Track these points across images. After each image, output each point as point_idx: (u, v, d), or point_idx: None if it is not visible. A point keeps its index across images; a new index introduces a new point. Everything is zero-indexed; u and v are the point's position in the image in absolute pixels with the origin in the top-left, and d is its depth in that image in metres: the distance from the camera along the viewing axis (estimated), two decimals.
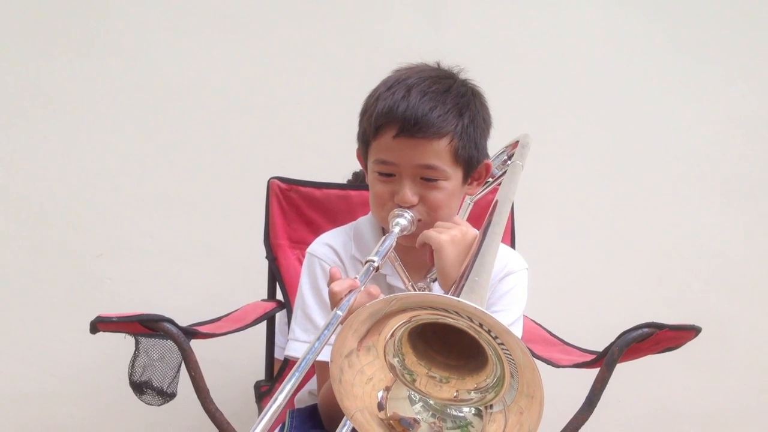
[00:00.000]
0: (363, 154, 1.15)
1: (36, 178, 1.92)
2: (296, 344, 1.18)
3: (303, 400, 1.33)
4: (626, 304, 1.98)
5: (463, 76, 1.13)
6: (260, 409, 1.46)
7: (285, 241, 1.57)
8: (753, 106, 2.05)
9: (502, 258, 1.17)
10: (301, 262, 1.57)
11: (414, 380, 0.86)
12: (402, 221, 1.06)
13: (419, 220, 1.09)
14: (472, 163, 1.11)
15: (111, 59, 1.91)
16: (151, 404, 1.19)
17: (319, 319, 1.16)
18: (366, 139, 1.11)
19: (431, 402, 0.85)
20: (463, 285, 0.83)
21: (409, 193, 1.07)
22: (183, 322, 1.74)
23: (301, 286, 1.21)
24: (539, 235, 1.90)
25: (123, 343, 1.82)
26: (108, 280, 1.96)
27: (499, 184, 1.23)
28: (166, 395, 1.19)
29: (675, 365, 2.01)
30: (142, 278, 1.94)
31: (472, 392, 0.84)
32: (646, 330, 1.13)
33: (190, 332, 1.17)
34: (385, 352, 0.83)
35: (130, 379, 1.19)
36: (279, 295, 1.58)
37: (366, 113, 1.11)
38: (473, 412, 0.84)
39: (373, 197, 1.12)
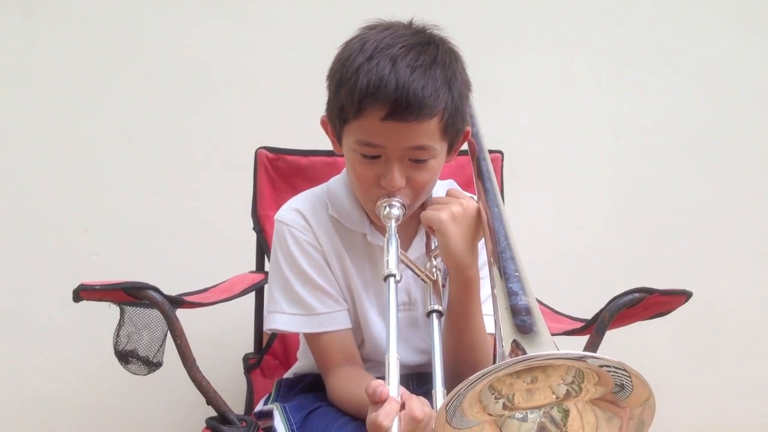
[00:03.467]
0: (336, 128, 1.06)
1: (18, 153, 1.89)
2: (283, 317, 1.14)
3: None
4: (615, 272, 1.98)
5: (437, 33, 1.06)
6: (249, 382, 1.45)
7: (273, 212, 1.51)
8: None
9: None
10: None
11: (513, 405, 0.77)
12: (395, 212, 1.02)
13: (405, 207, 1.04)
14: (458, 135, 1.07)
15: (91, 30, 1.87)
16: (137, 374, 1.16)
17: (302, 291, 1.13)
18: (344, 115, 1.01)
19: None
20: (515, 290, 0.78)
21: (398, 177, 1.00)
22: (178, 283, 1.75)
23: (275, 255, 1.17)
24: (524, 202, 1.89)
25: (109, 316, 1.83)
26: (93, 255, 1.93)
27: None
28: (152, 364, 1.17)
29: (663, 335, 2.02)
30: (128, 253, 1.91)
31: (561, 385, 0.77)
32: (636, 295, 1.12)
33: (176, 300, 1.14)
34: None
35: (115, 349, 1.16)
36: (268, 266, 1.55)
37: (342, 85, 1.00)
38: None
39: (356, 179, 1.06)
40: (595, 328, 1.13)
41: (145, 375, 1.17)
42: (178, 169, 1.90)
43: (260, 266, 1.57)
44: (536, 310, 0.76)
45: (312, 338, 1.15)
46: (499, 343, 0.74)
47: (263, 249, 1.55)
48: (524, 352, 0.69)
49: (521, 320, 0.74)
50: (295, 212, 1.16)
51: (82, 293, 1.05)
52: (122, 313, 1.16)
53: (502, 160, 1.59)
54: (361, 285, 1.17)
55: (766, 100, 2.07)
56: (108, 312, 1.41)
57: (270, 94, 1.89)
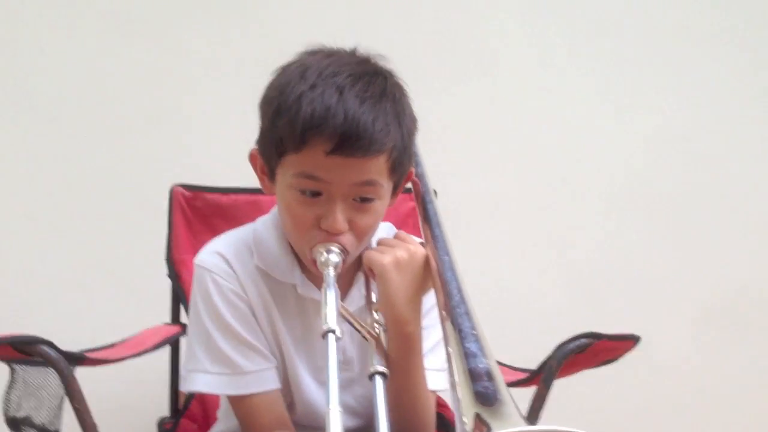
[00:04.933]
0: (271, 161, 0.95)
1: None
2: (206, 377, 1.01)
3: None
4: (556, 319, 1.92)
5: (383, 64, 0.98)
6: None
7: (190, 256, 1.40)
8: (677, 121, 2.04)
9: None
10: None
11: None
12: (333, 258, 0.91)
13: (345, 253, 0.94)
14: (403, 175, 0.98)
15: None
16: None
17: (226, 347, 1.00)
18: (282, 149, 0.91)
19: None
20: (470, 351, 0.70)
21: (341, 219, 0.91)
22: (80, 346, 1.60)
23: (194, 304, 1.04)
24: (459, 244, 1.82)
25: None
26: None
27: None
28: None
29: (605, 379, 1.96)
30: (25, 303, 1.74)
31: None
32: (584, 340, 1.05)
33: (75, 357, 1.01)
34: None
35: (5, 415, 1.02)
36: (184, 318, 1.42)
37: (281, 114, 0.89)
38: None
39: (291, 221, 0.95)
40: (542, 378, 1.06)
41: None
42: (82, 209, 1.76)
43: (176, 317, 1.44)
44: (498, 374, 0.66)
45: (237, 400, 1.03)
46: (458, 417, 0.64)
47: (179, 298, 1.42)
48: (489, 429, 0.59)
49: (483, 386, 0.64)
50: (217, 256, 1.04)
51: None
52: (12, 372, 1.02)
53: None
54: (290, 341, 1.06)
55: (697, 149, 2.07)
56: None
57: (186, 128, 1.77)
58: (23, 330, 1.64)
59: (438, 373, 1.05)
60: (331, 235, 0.92)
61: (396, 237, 0.97)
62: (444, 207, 1.48)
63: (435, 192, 1.49)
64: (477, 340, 0.74)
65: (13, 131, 1.73)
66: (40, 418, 1.03)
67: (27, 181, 1.74)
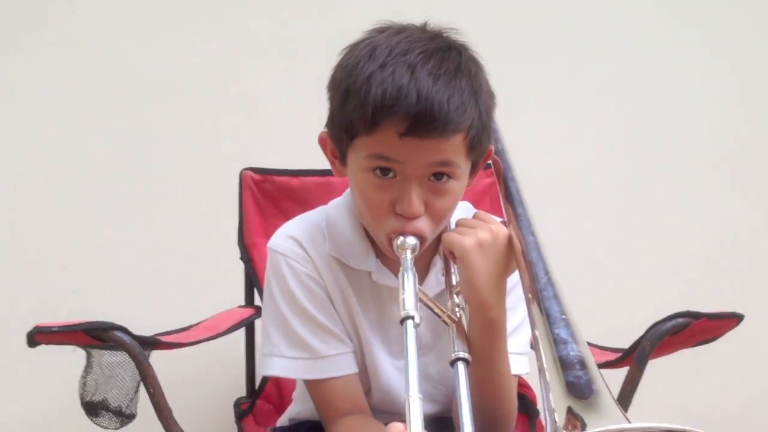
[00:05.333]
0: (342, 144, 0.91)
1: None
2: (283, 361, 0.99)
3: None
4: (642, 298, 1.82)
5: (456, 37, 0.92)
6: (240, 430, 1.28)
7: (261, 239, 1.39)
8: None
9: None
10: None
11: None
12: (410, 241, 0.87)
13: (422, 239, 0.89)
14: (482, 155, 0.92)
15: (65, 54, 1.73)
16: (107, 428, 1.01)
17: (303, 332, 0.98)
18: (352, 131, 0.86)
19: None
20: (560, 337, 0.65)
21: (417, 202, 0.86)
22: (159, 320, 1.60)
23: (269, 289, 1.01)
24: (544, 225, 1.74)
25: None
26: (74, 294, 1.78)
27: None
28: (125, 416, 1.02)
29: (694, 364, 1.86)
30: (110, 290, 1.76)
31: None
32: (680, 320, 0.98)
33: (149, 342, 1.00)
34: None
35: (81, 400, 1.01)
36: (258, 300, 1.40)
37: (350, 96, 0.85)
38: None
39: (367, 205, 0.90)
40: (634, 359, 0.99)
41: (116, 429, 1.02)
42: (159, 197, 1.76)
43: (249, 300, 1.42)
44: (592, 362, 0.60)
45: (314, 384, 1.00)
46: (546, 407, 0.58)
47: (252, 281, 1.40)
48: (584, 426, 0.53)
49: (575, 376, 0.58)
50: (291, 240, 1.01)
51: (38, 337, 0.92)
52: (88, 357, 1.01)
53: None
54: (367, 326, 1.02)
55: None
56: None
57: (255, 111, 1.74)
58: (100, 314, 1.70)
59: (520, 356, 1.00)
60: (406, 220, 0.87)
61: (475, 217, 0.91)
62: (529, 186, 1.46)
63: None
64: (567, 325, 0.68)
65: (86, 117, 1.75)
66: (116, 401, 1.03)
67: (102, 168, 1.75)
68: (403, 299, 0.80)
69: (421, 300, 0.87)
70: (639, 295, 1.83)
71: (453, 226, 0.96)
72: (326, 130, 0.95)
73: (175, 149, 1.75)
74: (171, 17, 1.75)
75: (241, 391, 1.44)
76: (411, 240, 0.87)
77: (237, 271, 1.44)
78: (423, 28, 0.91)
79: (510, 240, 0.87)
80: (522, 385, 1.22)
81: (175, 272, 1.74)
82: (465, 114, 0.84)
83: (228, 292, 1.46)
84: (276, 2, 1.77)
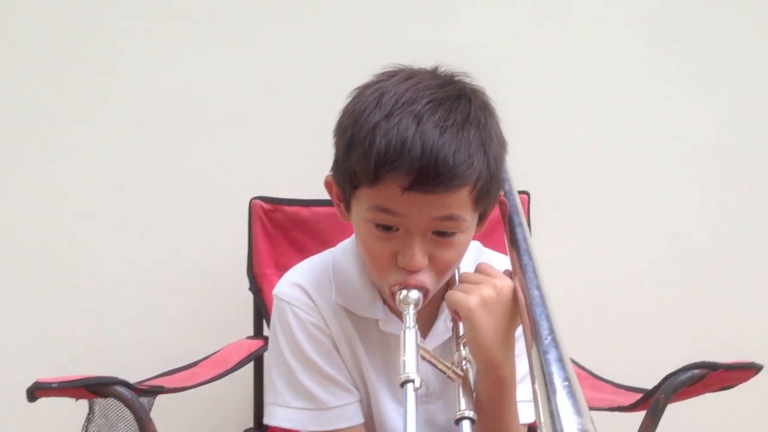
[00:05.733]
0: (345, 192, 0.89)
1: (2, 204, 1.74)
2: (288, 411, 0.96)
3: None
4: (666, 326, 1.77)
5: (467, 82, 0.89)
6: None
7: (271, 270, 1.39)
8: None
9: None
10: None
11: None
12: (413, 295, 0.84)
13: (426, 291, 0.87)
14: (491, 204, 0.89)
15: (71, 69, 1.72)
16: None
17: (308, 382, 0.96)
18: (356, 182, 0.84)
19: None
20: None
21: (420, 255, 0.83)
22: (165, 356, 1.60)
23: (275, 336, 0.99)
24: (557, 248, 1.70)
25: (116, 372, 1.67)
26: (87, 313, 1.78)
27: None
28: None
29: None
30: (121, 309, 1.75)
31: None
32: (696, 371, 0.95)
33: (153, 391, 0.99)
34: None
35: None
36: (267, 330, 1.39)
37: (354, 146, 0.82)
38: None
39: (369, 256, 0.88)
40: (648, 413, 0.96)
41: None
42: (170, 216, 1.74)
43: (258, 330, 1.41)
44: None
45: None
46: None
47: (261, 312, 1.39)
48: None
49: None
50: (297, 288, 0.99)
51: (38, 393, 0.90)
52: (91, 405, 1.00)
53: (529, 202, 1.42)
54: (374, 374, 1.00)
55: None
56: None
57: (268, 137, 1.71)
58: (125, 334, 1.71)
59: (529, 403, 0.97)
60: (409, 273, 0.85)
61: (478, 270, 0.88)
62: (540, 202, 1.42)
63: (528, 194, 1.42)
64: (571, 393, 0.65)
65: (100, 140, 1.74)
66: None
67: (109, 196, 1.74)
68: (404, 361, 0.77)
69: (424, 358, 0.85)
70: (661, 312, 1.78)
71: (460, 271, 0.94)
72: (331, 174, 0.92)
73: (189, 170, 1.73)
74: (180, 36, 1.73)
75: (249, 421, 1.43)
76: (414, 294, 0.85)
77: (246, 295, 1.43)
78: (434, 73, 0.88)
79: (515, 293, 0.84)
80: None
81: (185, 293, 1.73)
82: (472, 167, 0.80)
83: (237, 321, 1.44)
84: (290, 26, 1.74)
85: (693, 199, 1.79)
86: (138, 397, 0.92)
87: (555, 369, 0.68)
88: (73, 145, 1.74)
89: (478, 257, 1.03)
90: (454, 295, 0.84)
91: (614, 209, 1.77)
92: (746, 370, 0.97)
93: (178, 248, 1.71)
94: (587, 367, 1.32)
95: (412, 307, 0.84)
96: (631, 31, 1.79)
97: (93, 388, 0.90)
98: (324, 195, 1.33)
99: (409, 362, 0.77)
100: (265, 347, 1.35)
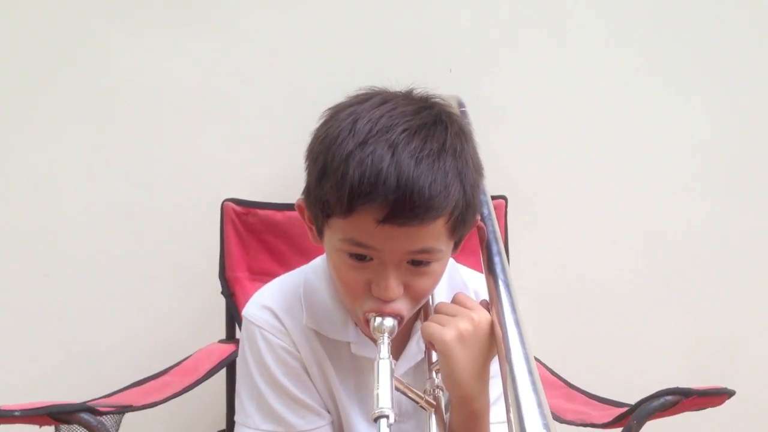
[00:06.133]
0: (315, 219, 0.87)
1: None
2: None
3: None
4: (640, 324, 1.75)
5: (443, 106, 0.86)
6: None
7: (244, 273, 1.37)
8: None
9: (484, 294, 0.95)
10: None
11: None
12: (387, 323, 0.83)
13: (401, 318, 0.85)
14: (466, 230, 0.87)
15: (43, 55, 1.66)
16: None
17: (278, 405, 0.94)
18: (328, 210, 0.81)
19: None
20: None
21: (395, 285, 0.81)
22: (139, 348, 1.61)
23: (245, 359, 0.97)
24: (534, 252, 1.68)
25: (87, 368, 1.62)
26: (58, 302, 1.75)
27: None
28: None
29: None
30: (94, 300, 1.72)
31: None
32: (669, 398, 0.96)
33: (120, 411, 0.97)
34: None
35: None
36: (239, 334, 1.37)
37: (327, 175, 0.79)
38: None
39: (342, 284, 0.87)
40: None
41: None
42: (144, 206, 1.70)
43: (230, 335, 1.39)
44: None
45: None
46: None
47: (233, 316, 1.37)
48: None
49: None
50: (267, 311, 0.96)
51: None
52: (57, 427, 0.98)
53: (506, 207, 1.41)
54: (345, 396, 0.99)
55: None
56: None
57: (244, 137, 1.65)
58: (96, 326, 1.67)
59: (502, 425, 0.97)
60: (383, 302, 0.83)
61: (455, 300, 0.86)
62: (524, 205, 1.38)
63: (505, 199, 1.40)
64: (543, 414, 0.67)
65: (74, 134, 1.68)
66: None
67: (87, 177, 1.69)
68: (377, 394, 0.76)
69: (398, 388, 0.84)
70: (648, 315, 1.78)
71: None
72: (302, 198, 0.90)
73: (158, 167, 1.67)
74: (159, 27, 1.67)
75: (221, 422, 1.42)
76: (388, 322, 0.83)
77: (219, 304, 1.41)
78: (409, 97, 0.86)
79: (492, 326, 0.83)
80: None
81: (158, 283, 1.68)
82: (448, 198, 0.79)
83: (209, 325, 1.42)
84: (268, 28, 1.68)
85: (675, 199, 1.77)
86: (104, 423, 0.90)
87: (534, 414, 0.68)
88: (42, 133, 1.69)
89: (452, 274, 1.02)
90: (430, 326, 0.83)
91: (595, 210, 1.75)
92: (719, 396, 0.98)
93: (151, 245, 1.67)
94: (561, 374, 1.33)
95: (386, 335, 0.83)
96: (613, 31, 1.76)
97: (56, 416, 0.88)
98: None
99: (384, 396, 0.75)
100: (236, 352, 1.33)
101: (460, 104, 1.22)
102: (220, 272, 1.37)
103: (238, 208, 1.36)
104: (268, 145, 1.62)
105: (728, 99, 1.77)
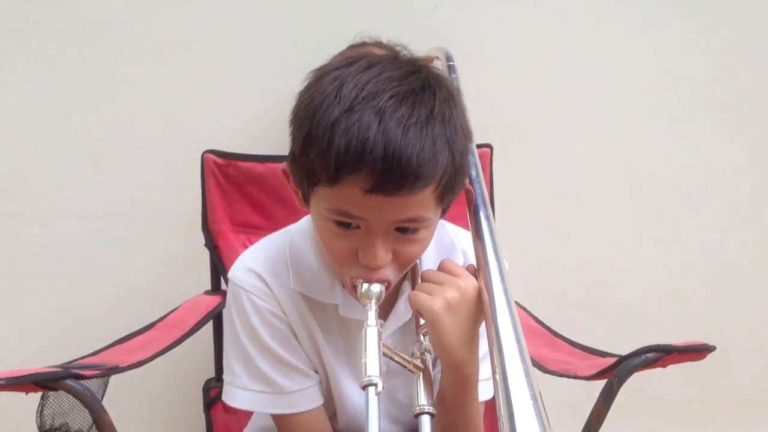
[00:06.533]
0: (301, 186, 0.85)
1: None
2: (245, 393, 0.96)
3: None
4: (632, 280, 1.77)
5: (432, 70, 0.83)
6: (208, 423, 1.28)
7: (227, 225, 1.35)
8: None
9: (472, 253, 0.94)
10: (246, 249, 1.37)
11: None
12: (375, 289, 0.82)
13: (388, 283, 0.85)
14: (455, 195, 0.85)
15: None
16: None
17: (266, 367, 0.95)
18: (313, 178, 0.79)
19: None
20: None
21: (382, 253, 0.80)
22: (124, 293, 1.62)
23: (231, 321, 0.97)
24: (519, 202, 1.67)
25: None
26: (40, 246, 1.73)
27: None
28: None
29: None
30: (77, 243, 1.71)
31: None
32: (650, 355, 0.96)
33: (106, 374, 0.97)
34: None
35: (40, 430, 1.00)
36: (225, 285, 1.37)
37: (312, 143, 0.77)
38: None
39: (329, 251, 0.86)
40: (602, 395, 0.97)
41: None
42: (124, 149, 1.67)
43: (216, 286, 1.38)
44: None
45: (278, 416, 0.98)
46: None
47: (218, 268, 1.36)
48: None
49: None
50: (253, 275, 0.95)
51: None
52: (44, 395, 0.98)
53: (491, 155, 1.39)
54: (332, 356, 0.99)
55: None
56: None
57: (221, 87, 1.61)
58: (76, 265, 1.66)
59: (488, 381, 0.98)
60: (370, 270, 0.82)
61: (442, 267, 0.86)
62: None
63: (491, 147, 1.38)
64: (537, 411, 0.66)
65: (48, 65, 1.63)
66: (77, 424, 1.02)
67: (65, 118, 1.65)
68: (365, 362, 0.76)
69: (385, 354, 0.84)
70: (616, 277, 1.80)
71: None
72: (287, 164, 0.87)
73: (144, 102, 1.63)
74: None
75: (210, 371, 1.43)
76: (375, 288, 0.83)
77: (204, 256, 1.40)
78: (396, 61, 0.82)
79: (479, 293, 0.82)
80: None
81: (141, 226, 1.67)
82: (436, 167, 0.77)
83: (193, 277, 1.42)
84: None
85: (662, 138, 1.76)
86: (89, 388, 0.90)
87: (523, 384, 0.68)
88: (15, 70, 1.64)
89: (440, 234, 1.01)
90: (418, 296, 0.82)
91: (581, 152, 1.74)
92: (699, 352, 0.98)
93: (134, 193, 1.65)
94: (546, 322, 1.33)
95: (374, 302, 0.82)
96: None
97: (42, 383, 0.88)
98: (280, 151, 1.31)
99: (372, 364, 0.76)
100: (223, 303, 1.33)
101: (448, 57, 1.18)
102: (203, 224, 1.35)
103: (218, 160, 1.33)
104: (251, 96, 1.58)
105: (715, 30, 1.74)
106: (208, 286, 1.39)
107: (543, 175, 1.72)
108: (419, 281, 0.88)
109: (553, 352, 1.23)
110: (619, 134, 1.74)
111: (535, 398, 0.67)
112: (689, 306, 1.81)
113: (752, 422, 1.87)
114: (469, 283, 0.82)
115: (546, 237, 1.73)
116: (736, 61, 1.76)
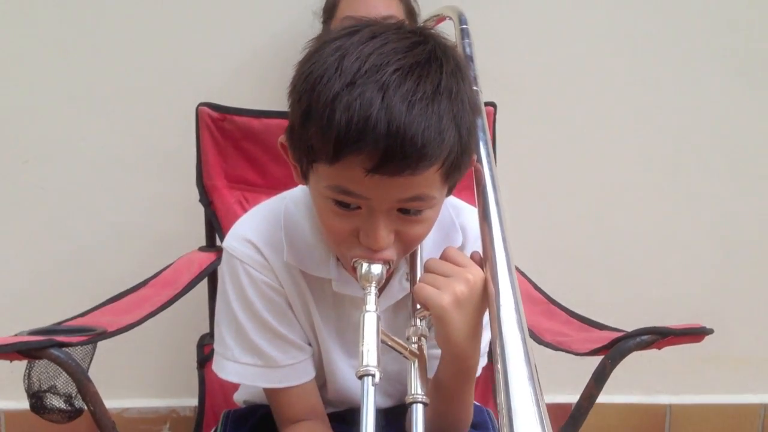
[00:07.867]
0: (299, 162, 0.81)
1: None
2: (236, 366, 0.94)
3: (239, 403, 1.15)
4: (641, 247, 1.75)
5: (438, 39, 0.78)
6: (201, 381, 1.29)
7: (222, 181, 1.32)
8: None
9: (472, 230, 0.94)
10: (242, 206, 1.34)
11: None
12: (375, 270, 0.79)
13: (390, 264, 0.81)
14: (462, 174, 0.81)
15: None
16: (57, 422, 1.00)
17: (259, 340, 0.92)
18: (312, 155, 0.76)
19: None
20: None
21: (384, 235, 0.77)
22: (121, 234, 1.63)
23: (225, 291, 0.94)
24: (522, 162, 1.63)
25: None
26: (40, 189, 1.72)
27: None
28: (74, 409, 1.00)
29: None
30: (75, 185, 1.70)
31: None
32: (645, 338, 0.95)
33: (93, 340, 0.96)
34: None
35: (28, 392, 1.00)
36: (219, 241, 1.35)
37: (312, 117, 0.73)
38: None
39: (327, 230, 0.82)
40: (594, 376, 0.96)
41: (66, 422, 1.01)
42: (122, 93, 1.64)
43: (211, 242, 1.36)
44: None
45: (270, 390, 0.97)
46: None
47: (213, 224, 1.34)
48: None
49: None
50: (249, 245, 0.92)
51: None
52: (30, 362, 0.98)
53: (495, 114, 1.34)
54: (324, 329, 0.97)
55: None
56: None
57: (216, 39, 1.56)
58: (74, 206, 1.66)
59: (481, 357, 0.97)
60: (371, 251, 0.79)
61: (447, 257, 0.82)
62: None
63: (494, 105, 1.34)
64: (539, 414, 0.64)
65: (46, 9, 1.60)
66: (65, 388, 1.01)
67: (63, 61, 1.63)
68: (363, 351, 0.74)
69: (383, 341, 0.81)
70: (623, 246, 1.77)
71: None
72: (286, 138, 0.83)
73: (136, 51, 1.60)
74: None
75: (205, 326, 1.43)
76: (376, 269, 0.79)
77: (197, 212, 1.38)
78: (401, 30, 0.77)
79: (485, 284, 0.79)
80: None
81: (142, 167, 1.67)
82: (442, 145, 0.72)
83: (188, 233, 1.40)
84: None
85: (672, 91, 1.72)
86: (72, 356, 0.89)
87: (526, 385, 0.66)
88: (14, 14, 1.59)
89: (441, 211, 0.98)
90: (425, 289, 0.78)
91: (587, 105, 1.70)
92: (696, 335, 0.96)
93: (132, 138, 1.63)
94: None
95: (374, 285, 0.79)
96: None
97: (26, 352, 0.87)
98: (276, 106, 1.27)
99: (370, 354, 0.73)
100: (218, 260, 1.31)
101: (462, 20, 1.11)
102: (197, 179, 1.32)
103: (213, 114, 1.29)
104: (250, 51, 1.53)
105: None
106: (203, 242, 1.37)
107: (547, 130, 1.69)
108: (418, 268, 0.87)
109: (549, 320, 1.21)
110: (626, 87, 1.70)
111: (538, 404, 0.65)
112: (697, 264, 1.79)
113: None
114: (477, 274, 0.79)
115: (549, 193, 1.70)
116: (751, 8, 1.70)
